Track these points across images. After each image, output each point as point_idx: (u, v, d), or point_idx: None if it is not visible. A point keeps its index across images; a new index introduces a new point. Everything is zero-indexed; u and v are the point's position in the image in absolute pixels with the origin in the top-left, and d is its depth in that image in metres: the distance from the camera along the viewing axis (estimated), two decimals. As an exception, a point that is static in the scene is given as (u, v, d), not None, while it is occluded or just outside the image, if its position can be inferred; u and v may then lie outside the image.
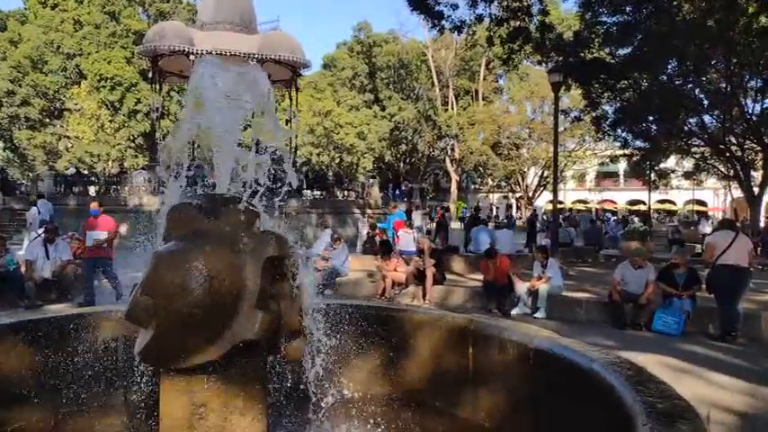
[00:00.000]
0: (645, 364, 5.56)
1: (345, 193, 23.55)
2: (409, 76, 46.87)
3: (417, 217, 19.56)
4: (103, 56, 32.10)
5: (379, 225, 15.25)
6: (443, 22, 13.80)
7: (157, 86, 18.92)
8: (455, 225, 26.59)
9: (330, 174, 40.77)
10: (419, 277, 9.58)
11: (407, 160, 48.96)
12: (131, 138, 33.41)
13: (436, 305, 9.03)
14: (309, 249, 11.04)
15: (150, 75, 19.66)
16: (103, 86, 31.87)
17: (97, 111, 31.94)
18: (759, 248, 17.29)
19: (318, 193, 23.70)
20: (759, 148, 21.88)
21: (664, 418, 2.19)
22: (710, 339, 7.19)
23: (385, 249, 10.05)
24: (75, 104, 32.55)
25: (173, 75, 19.13)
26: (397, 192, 34.78)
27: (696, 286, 7.87)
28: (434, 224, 20.76)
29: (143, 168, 21.08)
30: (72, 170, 29.76)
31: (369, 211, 19.77)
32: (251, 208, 2.39)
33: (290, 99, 20.03)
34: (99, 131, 32.25)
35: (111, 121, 32.56)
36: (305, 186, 21.42)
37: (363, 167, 41.98)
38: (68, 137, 33.93)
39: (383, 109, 44.25)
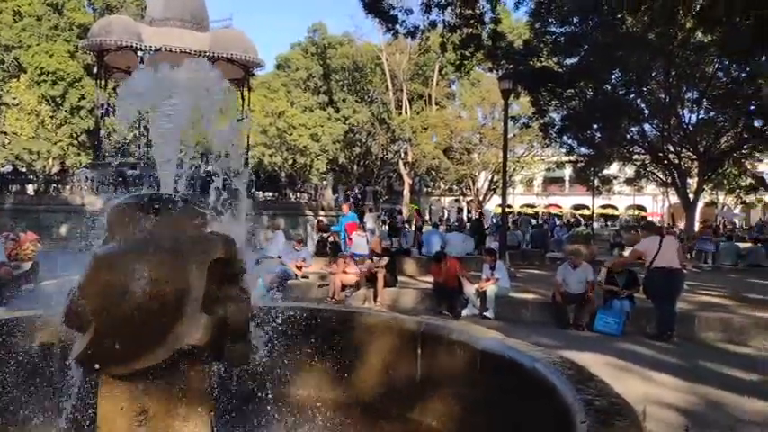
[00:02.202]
0: (587, 362, 5.75)
1: (298, 194, 23.35)
2: (363, 78, 46.92)
3: (370, 219, 19.59)
4: (45, 49, 30.69)
5: (332, 227, 15.20)
6: (398, 26, 13.93)
7: (103, 82, 18.26)
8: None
9: (283, 175, 40.29)
10: (371, 279, 9.61)
11: (361, 163, 48.97)
12: (74, 135, 32.07)
13: (387, 307, 9.08)
14: (260, 251, 10.90)
15: (95, 70, 18.97)
16: (44, 81, 30.46)
17: (37, 106, 30.50)
18: (693, 252, 18.19)
19: (270, 194, 23.39)
20: (694, 157, 23.08)
21: (601, 415, 2.27)
22: (648, 339, 7.51)
23: (332, 251, 10.05)
24: (14, 99, 30.98)
25: (119, 70, 18.47)
26: (349, 193, 34.76)
27: (635, 288, 8.23)
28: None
29: (86, 167, 20.26)
30: (9, 168, 28.30)
31: (321, 213, 19.66)
32: (196, 208, 2.34)
33: (243, 99, 19.73)
34: (39, 128, 30.81)
35: (52, 117, 31.15)
36: (256, 187, 21.15)
37: (317, 169, 41.74)
38: (5, 133, 32.25)
39: (337, 111, 44.14)
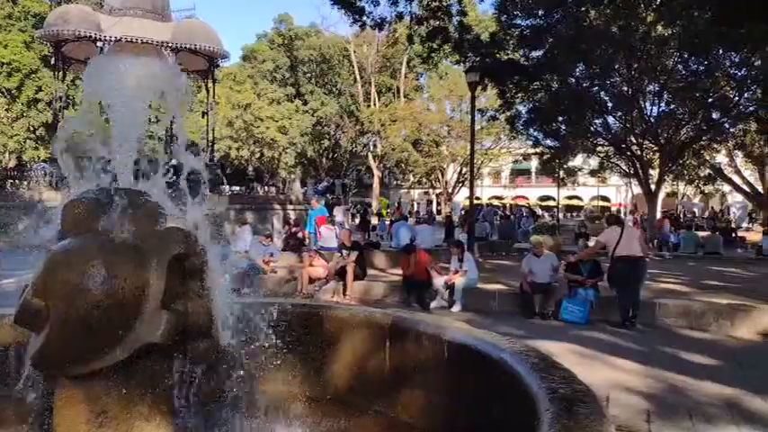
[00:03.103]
0: (553, 351, 5.88)
1: (266, 188, 23.14)
2: (331, 70, 46.63)
3: (339, 212, 19.53)
4: (-2, 39, 29.54)
5: (301, 223, 15.10)
6: (364, 18, 13.87)
7: (60, 74, 17.65)
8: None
9: (250, 168, 39.82)
10: (340, 273, 9.58)
11: (330, 156, 48.75)
12: (31, 128, 30.98)
13: (357, 300, 9.07)
14: (227, 246, 10.75)
15: (53, 61, 18.28)
16: (-1, 72, 29.34)
17: (-9, 99, 29.39)
18: (655, 241, 18.71)
19: (237, 188, 23.13)
20: (656, 148, 23.66)
21: (565, 402, 2.31)
22: (612, 326, 7.69)
23: (296, 245, 9.99)
24: (-34, 91, 29.78)
25: (78, 62, 17.90)
26: (318, 187, 34.67)
27: (599, 277, 8.42)
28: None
29: (44, 161, 19.58)
30: (-38, 163, 27.22)
31: (290, 206, 19.52)
32: (156, 203, 2.28)
33: (207, 90, 19.36)
34: (-7, 121, 29.70)
35: (7, 110, 30.02)
36: (223, 181, 20.83)
37: (285, 162, 41.36)
38: (-42, 126, 30.98)
39: (305, 103, 43.78)
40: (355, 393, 3.79)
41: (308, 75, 46.24)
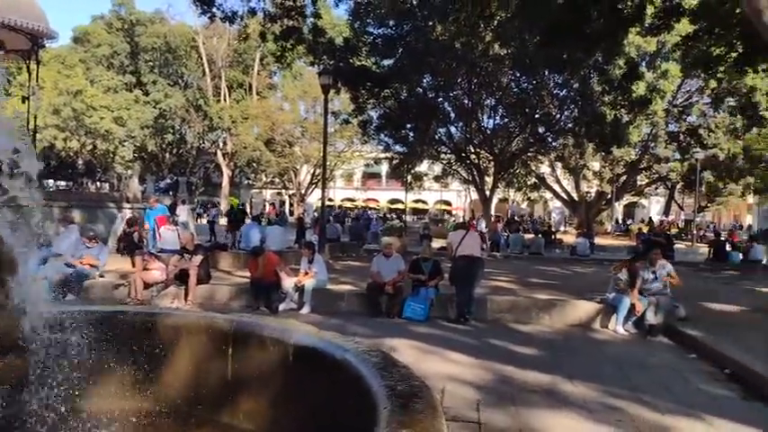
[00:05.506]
0: (396, 347, 6.13)
1: (99, 184, 21.08)
2: (177, 61, 44.03)
3: (184, 212, 18.43)
4: None
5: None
6: (214, 9, 13.32)
7: None
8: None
9: (80, 162, 36.03)
10: (181, 277, 9.04)
11: (174, 151, 45.94)
12: None
13: (200, 306, 8.63)
14: (49, 248, 9.60)
15: None
16: None
17: None
18: (489, 243, 20.41)
19: (64, 183, 20.79)
20: (491, 158, 25.89)
21: (402, 399, 2.41)
22: (449, 322, 8.22)
23: (129, 247, 9.26)
24: None
25: None
26: (161, 185, 32.44)
27: (439, 276, 8.97)
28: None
29: None
30: None
31: (126, 205, 17.99)
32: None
33: (29, 73, 17.15)
34: None
35: None
36: (46, 175, 18.53)
37: (121, 157, 38.10)
38: None
39: (146, 94, 40.80)
40: (195, 404, 3.60)
41: (151, 63, 43.17)
